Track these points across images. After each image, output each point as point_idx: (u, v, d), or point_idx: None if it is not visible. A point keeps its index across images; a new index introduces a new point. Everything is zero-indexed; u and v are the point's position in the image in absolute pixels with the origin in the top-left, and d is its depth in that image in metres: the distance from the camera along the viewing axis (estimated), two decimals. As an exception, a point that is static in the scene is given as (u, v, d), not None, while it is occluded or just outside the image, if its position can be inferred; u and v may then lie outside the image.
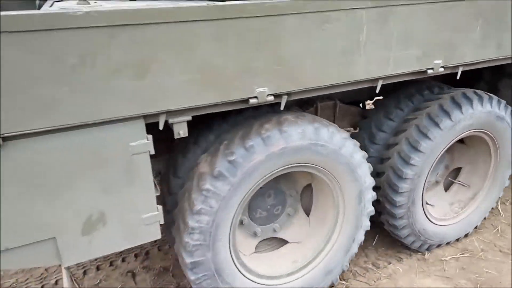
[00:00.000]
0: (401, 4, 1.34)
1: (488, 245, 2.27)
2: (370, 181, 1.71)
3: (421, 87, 2.02)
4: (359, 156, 1.64)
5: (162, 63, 1.10)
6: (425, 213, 2.02)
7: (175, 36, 1.09)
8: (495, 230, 2.38)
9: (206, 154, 1.48)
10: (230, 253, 1.54)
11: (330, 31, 1.27)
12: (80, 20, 0.97)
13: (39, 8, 2.24)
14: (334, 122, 1.89)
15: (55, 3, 1.67)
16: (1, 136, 0.98)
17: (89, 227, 1.20)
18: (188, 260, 1.46)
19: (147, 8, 1.04)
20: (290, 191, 1.82)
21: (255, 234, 1.77)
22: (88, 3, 1.39)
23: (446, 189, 2.30)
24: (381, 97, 2.17)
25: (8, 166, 1.03)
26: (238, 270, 1.60)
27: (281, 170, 1.50)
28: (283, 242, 1.86)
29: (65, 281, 1.53)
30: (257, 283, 1.65)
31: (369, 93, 2.08)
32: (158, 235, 1.33)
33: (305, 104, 1.97)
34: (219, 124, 1.59)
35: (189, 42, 1.11)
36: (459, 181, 2.30)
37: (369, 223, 1.81)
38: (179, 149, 1.63)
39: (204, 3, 1.10)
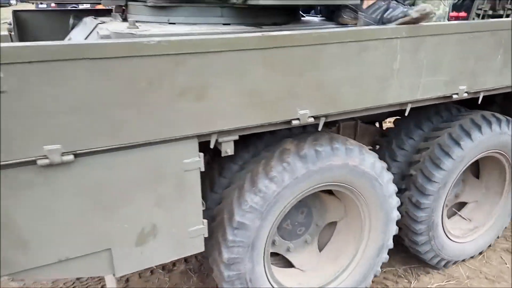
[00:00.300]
0: (431, 35, 1.44)
1: (474, 272, 2.30)
2: (396, 201, 1.79)
3: (439, 108, 2.12)
4: (386, 177, 1.72)
5: (218, 87, 1.18)
6: (444, 230, 2.09)
7: (230, 63, 1.18)
8: (480, 257, 2.41)
9: (245, 171, 1.56)
10: (264, 267, 1.61)
11: (367, 59, 1.37)
12: (152, 48, 1.06)
13: (72, 27, 2.35)
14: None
15: (99, 24, 1.78)
16: (74, 152, 1.06)
17: (141, 239, 1.27)
18: (225, 273, 1.53)
19: (209, 39, 1.14)
20: (318, 220, 1.90)
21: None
22: (137, 27, 1.50)
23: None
24: (398, 117, 2.27)
25: (76, 180, 1.11)
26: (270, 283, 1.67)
27: (314, 189, 1.58)
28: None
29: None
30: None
31: (388, 113, 2.18)
32: (202, 248, 1.40)
33: (329, 124, 2.06)
34: (254, 143, 1.67)
35: (242, 68, 1.20)
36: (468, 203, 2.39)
37: (392, 243, 1.88)
38: (215, 166, 1.71)
39: (259, 34, 1.19)
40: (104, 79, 1.03)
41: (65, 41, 1.13)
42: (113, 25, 1.66)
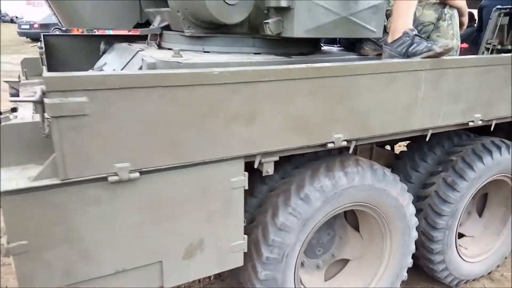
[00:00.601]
0: (452, 67, 1.59)
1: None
2: (415, 221, 1.90)
3: (450, 133, 2.26)
4: (407, 198, 1.83)
5: (265, 113, 1.30)
6: (457, 249, 2.20)
7: (278, 91, 1.30)
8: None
9: (277, 191, 1.67)
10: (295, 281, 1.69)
11: (395, 88, 1.50)
12: (214, 78, 1.18)
13: (104, 51, 2.48)
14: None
15: (140, 52, 1.91)
16: (140, 170, 1.16)
17: (189, 252, 1.36)
18: (258, 286, 1.61)
19: (262, 69, 1.26)
20: (335, 250, 2.00)
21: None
22: (181, 56, 1.62)
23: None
24: (410, 141, 2.40)
25: (137, 196, 1.20)
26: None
27: (341, 209, 1.68)
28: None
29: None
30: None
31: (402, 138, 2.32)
32: (241, 262, 1.49)
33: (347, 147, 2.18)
34: (283, 165, 1.78)
35: (288, 96, 1.32)
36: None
37: (411, 261, 1.98)
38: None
39: (304, 66, 1.32)
40: (171, 104, 1.15)
41: (143, 71, 1.24)
42: (156, 53, 1.78)
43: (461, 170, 2.01)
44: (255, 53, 1.89)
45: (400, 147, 2.92)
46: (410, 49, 1.59)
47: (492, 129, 1.90)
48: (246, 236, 1.47)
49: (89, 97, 1.04)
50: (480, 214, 2.56)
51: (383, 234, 1.87)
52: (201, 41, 1.91)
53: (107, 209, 1.17)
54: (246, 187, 1.39)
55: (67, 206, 1.11)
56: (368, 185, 1.68)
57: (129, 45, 2.22)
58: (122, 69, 1.91)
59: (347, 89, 1.41)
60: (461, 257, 2.25)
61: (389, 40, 1.70)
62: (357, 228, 2.01)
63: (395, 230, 1.85)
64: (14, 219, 1.07)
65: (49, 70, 2.60)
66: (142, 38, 2.46)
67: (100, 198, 1.15)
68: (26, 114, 2.02)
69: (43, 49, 2.57)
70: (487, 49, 2.12)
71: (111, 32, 3.26)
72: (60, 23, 2.40)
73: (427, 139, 1.73)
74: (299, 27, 1.65)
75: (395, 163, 2.34)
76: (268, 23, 1.71)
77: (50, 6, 2.34)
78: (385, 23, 1.90)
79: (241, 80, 1.22)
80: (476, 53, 2.37)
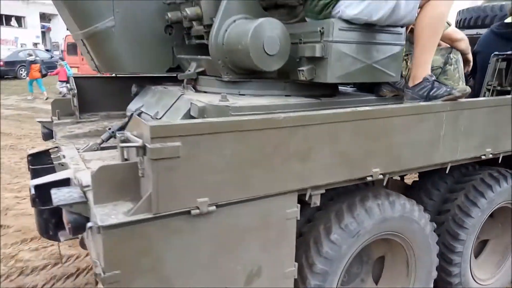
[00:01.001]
0: (467, 108, 1.82)
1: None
2: (437, 248, 2.07)
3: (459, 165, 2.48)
4: (429, 226, 2.02)
5: (317, 151, 1.49)
6: (471, 272, 2.37)
7: (327, 132, 1.49)
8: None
9: (316, 222, 1.83)
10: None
11: (422, 127, 1.72)
12: (280, 122, 1.37)
13: (136, 93, 2.65)
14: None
15: (183, 96, 2.08)
16: (216, 204, 1.32)
17: (249, 279, 1.49)
18: (303, 310, 1.74)
19: (316, 114, 1.46)
20: (367, 258, 2.16)
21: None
22: (228, 100, 1.81)
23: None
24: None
25: (212, 227, 1.35)
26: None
27: (376, 237, 1.85)
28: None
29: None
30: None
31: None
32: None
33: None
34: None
35: (335, 135, 1.52)
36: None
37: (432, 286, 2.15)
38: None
39: (348, 110, 1.53)
40: (243, 145, 1.32)
41: (224, 118, 1.41)
42: (200, 97, 1.96)
43: (474, 197, 2.22)
44: (285, 95, 2.10)
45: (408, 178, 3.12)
46: (431, 93, 1.83)
47: (500, 161, 2.12)
48: (296, 264, 1.61)
49: (182, 142, 1.20)
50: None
51: (409, 260, 2.03)
52: (237, 85, 2.11)
53: (187, 239, 1.31)
54: (299, 218, 1.55)
55: (155, 238, 1.25)
56: (397, 215, 1.86)
57: (165, 88, 2.40)
58: (166, 112, 2.08)
59: (384, 128, 1.61)
60: (474, 279, 2.42)
61: (411, 84, 1.93)
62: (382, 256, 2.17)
63: (420, 256, 2.02)
64: (111, 251, 1.20)
65: (80, 111, 2.76)
66: (169, 80, 2.65)
67: (182, 229, 1.29)
68: (72, 153, 2.16)
69: (75, 91, 2.72)
70: (488, 89, 2.38)
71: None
72: (97, 67, 2.58)
73: (447, 171, 1.94)
74: (332, 74, 1.87)
75: (408, 193, 2.53)
76: (302, 70, 1.92)
77: (88, 52, 2.52)
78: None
79: (300, 123, 1.41)
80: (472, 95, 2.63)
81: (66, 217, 1.34)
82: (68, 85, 2.93)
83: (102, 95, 2.91)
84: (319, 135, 1.48)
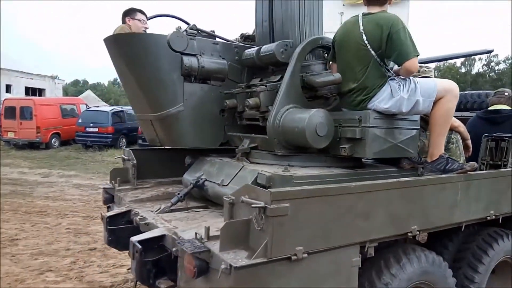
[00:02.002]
0: (476, 179, 2.35)
1: None
2: (454, 291, 2.49)
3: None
4: (449, 273, 2.44)
5: (374, 211, 1.95)
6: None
7: (382, 197, 1.97)
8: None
9: (362, 269, 2.23)
10: None
11: (444, 194, 2.22)
12: (351, 189, 1.84)
13: (190, 164, 3.09)
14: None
15: (246, 167, 2.55)
16: (307, 252, 1.73)
17: (325, 316, 1.86)
18: None
19: (374, 183, 1.95)
20: None
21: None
22: (288, 171, 2.28)
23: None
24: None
25: (301, 271, 1.75)
26: None
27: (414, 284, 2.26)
28: None
29: None
30: None
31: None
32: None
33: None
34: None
35: (387, 199, 1.99)
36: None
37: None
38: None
39: (396, 180, 2.02)
40: (327, 206, 1.77)
41: (315, 186, 1.86)
42: (263, 168, 2.42)
43: (479, 255, 2.67)
44: (326, 166, 2.60)
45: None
46: (447, 167, 2.36)
47: (500, 221, 2.63)
48: (358, 304, 1.99)
49: (290, 203, 1.65)
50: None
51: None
52: (287, 158, 2.60)
53: (285, 280, 1.70)
54: (360, 266, 1.96)
55: (266, 277, 1.64)
56: (426, 266, 2.29)
57: (221, 159, 2.87)
58: (232, 180, 2.52)
59: (419, 194, 2.11)
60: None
61: (429, 160, 2.47)
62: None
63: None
64: (238, 287, 1.58)
65: (138, 178, 3.17)
66: (215, 152, 3.11)
67: (282, 272, 1.68)
68: (149, 214, 2.55)
69: (135, 161, 3.15)
70: (482, 163, 2.95)
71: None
72: (159, 142, 3.04)
73: (462, 229, 2.41)
74: (369, 151, 2.40)
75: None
76: (345, 147, 2.45)
77: (154, 130, 3.00)
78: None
79: (364, 190, 1.89)
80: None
81: (192, 263, 1.71)
82: (123, 156, 3.36)
83: (154, 164, 3.34)
84: (376, 199, 1.95)
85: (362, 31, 2.34)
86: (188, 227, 2.19)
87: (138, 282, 2.43)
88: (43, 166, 11.57)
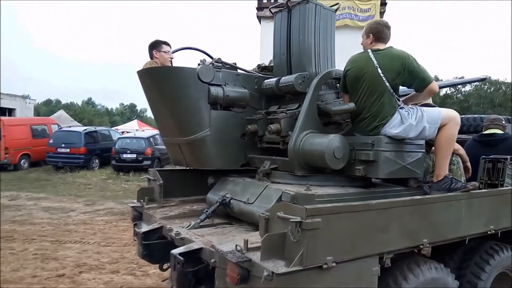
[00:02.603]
0: (477, 197, 2.64)
1: None
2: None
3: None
4: (453, 283, 2.70)
5: (391, 226, 2.21)
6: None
7: (397, 213, 2.24)
8: None
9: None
10: None
11: (450, 210, 2.49)
12: (372, 206, 2.11)
13: (213, 183, 3.34)
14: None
15: (269, 186, 2.80)
16: (336, 261, 1.98)
17: (350, 319, 2.09)
18: None
19: (391, 201, 2.22)
20: None
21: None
22: (310, 190, 2.54)
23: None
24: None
25: (329, 279, 1.99)
26: None
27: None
28: None
29: None
30: None
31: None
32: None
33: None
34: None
35: (402, 215, 2.25)
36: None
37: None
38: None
39: (409, 198, 2.29)
40: (352, 221, 2.03)
41: (343, 204, 2.13)
42: (286, 187, 2.68)
43: (480, 268, 2.93)
44: (341, 186, 2.86)
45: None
46: (451, 186, 2.65)
47: (499, 235, 2.90)
48: (376, 309, 2.23)
49: (322, 218, 1.91)
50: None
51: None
52: (305, 178, 2.87)
53: (316, 283, 1.94)
54: (379, 275, 2.21)
55: (301, 284, 1.89)
56: (434, 275, 2.54)
57: (243, 179, 3.13)
58: (257, 198, 2.78)
59: (429, 211, 2.38)
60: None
61: (435, 180, 2.76)
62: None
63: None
64: (279, 291, 1.82)
65: (164, 197, 3.41)
66: (234, 172, 3.37)
67: (314, 279, 1.93)
68: (181, 230, 2.78)
69: (161, 181, 3.40)
70: (481, 183, 3.24)
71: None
72: (186, 163, 3.30)
73: (466, 243, 2.68)
74: (381, 172, 2.67)
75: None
76: (359, 169, 2.72)
77: (181, 153, 3.26)
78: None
79: (383, 207, 2.16)
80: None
81: (235, 271, 1.95)
82: (148, 176, 3.61)
83: (178, 184, 3.60)
84: (393, 215, 2.21)
85: (377, 65, 2.66)
86: (222, 241, 2.43)
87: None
88: (11, 189, 11.08)
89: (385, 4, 17.66)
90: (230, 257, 2.00)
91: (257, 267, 1.93)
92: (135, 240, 3.56)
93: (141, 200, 3.40)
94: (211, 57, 3.45)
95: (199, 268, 2.31)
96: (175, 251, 2.36)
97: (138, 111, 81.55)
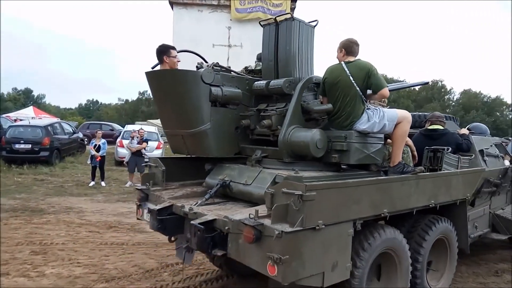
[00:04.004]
0: (423, 178, 3.45)
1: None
2: (409, 258, 3.55)
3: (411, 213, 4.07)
4: (406, 245, 3.51)
5: (361, 199, 2.94)
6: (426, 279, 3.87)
7: (366, 190, 2.97)
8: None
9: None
10: None
11: (403, 188, 3.28)
12: (349, 184, 2.82)
13: (209, 170, 3.92)
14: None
15: (263, 170, 3.45)
16: (325, 224, 2.68)
17: (333, 268, 2.80)
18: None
19: (363, 180, 2.94)
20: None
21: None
22: (298, 173, 3.23)
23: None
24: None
25: (320, 237, 2.68)
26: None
27: (381, 251, 3.28)
28: None
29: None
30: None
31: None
32: (347, 276, 2.94)
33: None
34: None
35: (369, 191, 2.99)
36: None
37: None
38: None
39: (375, 178, 3.04)
40: (336, 195, 2.73)
41: (329, 182, 2.81)
42: (278, 172, 3.35)
43: (423, 233, 3.78)
44: (319, 170, 3.58)
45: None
46: (404, 170, 3.44)
47: (437, 209, 3.75)
48: (351, 262, 2.96)
49: (316, 192, 2.58)
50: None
51: (397, 267, 3.46)
52: (291, 165, 3.55)
53: (311, 244, 2.62)
54: (353, 235, 2.93)
55: (301, 240, 2.56)
56: (391, 237, 3.33)
57: (238, 165, 3.75)
58: (254, 180, 3.42)
59: (388, 188, 3.14)
60: (428, 284, 3.91)
61: (391, 165, 3.54)
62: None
63: (403, 263, 3.47)
64: (286, 246, 2.48)
65: (166, 181, 3.96)
66: (227, 160, 3.98)
67: (309, 237, 2.61)
68: (191, 207, 3.35)
69: (164, 168, 3.94)
70: (425, 167, 4.10)
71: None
72: (188, 152, 3.86)
73: (414, 214, 3.49)
74: (352, 159, 3.42)
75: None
76: (335, 156, 3.45)
77: (184, 143, 3.81)
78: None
79: (356, 185, 2.88)
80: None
81: (251, 232, 2.58)
82: (150, 163, 4.12)
83: (177, 170, 4.14)
84: (363, 191, 2.94)
85: (349, 74, 3.38)
86: (230, 214, 3.04)
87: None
88: None
89: (295, 0, 18.62)
90: (247, 221, 2.63)
91: (268, 229, 2.58)
92: (139, 219, 4.09)
93: (147, 184, 3.91)
94: (206, 61, 4.01)
95: (215, 235, 2.91)
96: (195, 222, 2.94)
97: (35, 97, 74.84)
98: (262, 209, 2.82)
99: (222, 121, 3.75)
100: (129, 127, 17.42)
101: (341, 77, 3.44)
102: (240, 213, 3.02)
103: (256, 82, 3.94)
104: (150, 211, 3.50)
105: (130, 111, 59.93)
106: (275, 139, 3.60)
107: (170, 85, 3.59)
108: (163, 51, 3.78)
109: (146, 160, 4.57)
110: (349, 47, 3.57)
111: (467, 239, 4.37)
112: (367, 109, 3.47)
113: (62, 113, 57.64)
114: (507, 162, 5.50)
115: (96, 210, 8.30)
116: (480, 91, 55.05)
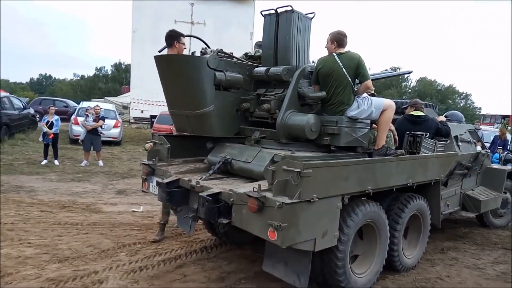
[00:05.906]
0: (403, 160, 3.90)
1: None
2: (388, 229, 4.03)
3: (391, 192, 4.54)
4: (386, 218, 3.97)
5: (349, 177, 3.36)
6: (402, 250, 4.37)
7: (354, 169, 3.39)
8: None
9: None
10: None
11: (386, 168, 3.72)
12: (340, 163, 3.23)
13: (211, 148, 4.29)
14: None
15: (262, 149, 3.84)
16: (318, 197, 3.09)
17: (323, 236, 3.24)
18: (337, 253, 3.51)
19: (351, 160, 3.36)
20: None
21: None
22: (294, 153, 3.63)
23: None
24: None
25: (313, 209, 3.11)
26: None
27: (363, 222, 3.73)
28: (352, 261, 3.98)
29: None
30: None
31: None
32: (335, 243, 3.38)
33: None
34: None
35: (356, 170, 3.41)
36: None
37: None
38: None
39: (361, 159, 3.46)
40: (328, 172, 3.14)
41: (324, 161, 3.20)
42: (277, 151, 3.73)
43: (401, 210, 4.25)
44: (312, 151, 3.99)
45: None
46: (387, 152, 3.87)
47: (414, 187, 4.22)
48: (338, 231, 3.40)
49: (313, 170, 2.98)
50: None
51: (377, 237, 3.94)
52: (287, 145, 3.95)
53: (306, 214, 3.03)
54: (340, 208, 3.36)
55: (299, 211, 2.97)
56: (373, 210, 3.78)
57: (238, 145, 4.12)
58: (254, 159, 3.80)
59: (373, 168, 3.57)
60: (404, 255, 4.42)
61: (376, 148, 3.97)
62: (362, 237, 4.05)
63: (381, 233, 3.95)
64: (286, 215, 2.88)
65: (171, 157, 4.31)
66: (227, 140, 4.35)
67: (305, 207, 3.02)
68: (198, 181, 3.72)
69: (169, 145, 4.28)
70: (405, 150, 4.56)
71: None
72: (192, 131, 4.20)
73: (393, 191, 3.95)
74: (342, 141, 3.84)
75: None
76: (327, 139, 3.85)
77: (189, 123, 4.15)
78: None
79: (345, 164, 3.29)
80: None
81: (255, 203, 2.97)
82: (155, 140, 4.45)
83: (180, 147, 4.49)
84: (351, 170, 3.36)
85: (342, 66, 3.75)
86: (234, 187, 3.42)
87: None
88: None
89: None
90: (251, 194, 3.02)
91: (270, 201, 2.97)
92: (144, 192, 4.44)
93: (153, 159, 4.25)
94: (208, 46, 4.31)
95: (221, 205, 3.30)
96: (203, 194, 3.32)
97: (-19, 70, 66.92)
98: (263, 184, 3.21)
99: (224, 104, 4.09)
100: (84, 104, 16.81)
101: (335, 68, 3.81)
102: (242, 187, 3.40)
103: (256, 69, 4.27)
104: (158, 184, 3.85)
105: (86, 88, 55.73)
106: (273, 122, 3.97)
107: (178, 69, 3.89)
108: (175, 37, 4.05)
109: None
110: (340, 40, 3.93)
111: (439, 216, 4.90)
112: (357, 96, 3.86)
113: (12, 88, 54.45)
114: (479, 148, 6.03)
115: (49, 189, 7.82)
116: (435, 79, 56.09)
